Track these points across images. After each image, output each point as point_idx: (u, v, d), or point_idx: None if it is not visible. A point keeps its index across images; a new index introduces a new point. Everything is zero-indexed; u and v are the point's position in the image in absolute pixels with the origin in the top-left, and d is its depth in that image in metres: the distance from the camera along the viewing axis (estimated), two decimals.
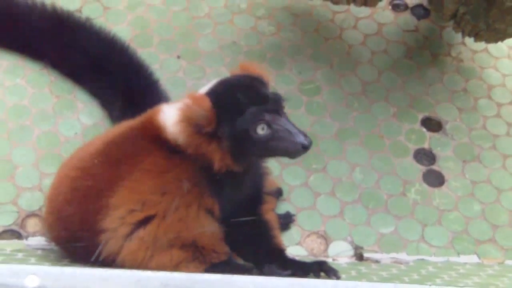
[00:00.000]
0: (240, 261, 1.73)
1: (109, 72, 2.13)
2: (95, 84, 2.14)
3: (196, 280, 1.08)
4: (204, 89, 1.61)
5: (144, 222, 1.57)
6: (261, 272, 1.59)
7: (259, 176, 1.75)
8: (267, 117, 1.53)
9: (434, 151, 2.21)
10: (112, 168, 1.61)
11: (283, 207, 2.05)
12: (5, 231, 1.93)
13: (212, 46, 2.35)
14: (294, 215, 2.04)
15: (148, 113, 1.68)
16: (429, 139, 2.23)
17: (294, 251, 1.99)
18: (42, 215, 1.92)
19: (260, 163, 1.74)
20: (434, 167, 2.18)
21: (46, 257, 1.78)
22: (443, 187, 2.15)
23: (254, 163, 1.68)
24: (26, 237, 1.92)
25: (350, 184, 2.12)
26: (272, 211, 1.81)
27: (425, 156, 2.20)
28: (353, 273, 1.80)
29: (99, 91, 2.14)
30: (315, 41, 2.40)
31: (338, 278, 1.65)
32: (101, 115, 2.14)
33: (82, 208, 1.62)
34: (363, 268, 1.87)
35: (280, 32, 2.40)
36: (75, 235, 1.64)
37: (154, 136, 1.61)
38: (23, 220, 1.94)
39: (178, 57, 2.30)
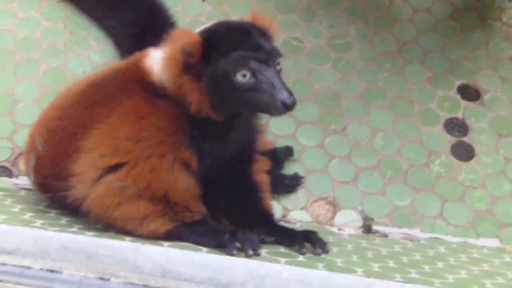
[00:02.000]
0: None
1: (126, 11, 2.03)
2: (110, 22, 2.05)
3: (100, 244, 0.98)
4: (199, 29, 1.51)
5: (115, 168, 1.46)
6: (235, 237, 1.46)
7: (250, 133, 1.62)
8: (253, 64, 1.42)
9: (468, 122, 2.03)
10: (89, 110, 1.52)
11: (292, 168, 1.93)
12: None
13: None
14: (302, 177, 1.91)
15: (136, 55, 1.57)
16: (463, 109, 2.05)
17: (298, 216, 1.87)
18: None
19: (252, 119, 1.61)
20: (465, 139, 2.00)
21: (26, 198, 1.70)
22: (472, 162, 1.97)
23: (243, 117, 1.55)
24: (17, 176, 1.85)
25: (369, 149, 1.97)
26: (264, 172, 1.67)
27: (456, 126, 2.03)
28: (349, 246, 1.66)
29: (113, 29, 2.05)
30: None
31: (325, 251, 1.51)
32: (112, 55, 2.05)
33: (55, 150, 1.53)
34: (363, 242, 1.72)
35: None
36: (48, 177, 1.55)
37: (138, 79, 1.52)
38: (16, 157, 1.87)
39: (203, 0, 2.17)
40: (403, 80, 2.08)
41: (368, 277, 0.96)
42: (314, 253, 1.49)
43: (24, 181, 1.82)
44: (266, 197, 1.63)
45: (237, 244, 1.44)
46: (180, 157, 1.48)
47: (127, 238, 1.42)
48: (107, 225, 1.49)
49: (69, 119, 1.53)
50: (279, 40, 2.10)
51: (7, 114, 1.91)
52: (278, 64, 1.48)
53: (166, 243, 1.39)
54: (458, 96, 2.07)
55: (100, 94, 1.54)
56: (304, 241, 1.52)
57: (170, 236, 1.48)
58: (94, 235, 1.30)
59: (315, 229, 1.67)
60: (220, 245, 1.45)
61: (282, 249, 1.52)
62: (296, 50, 2.11)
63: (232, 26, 1.51)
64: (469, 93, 2.08)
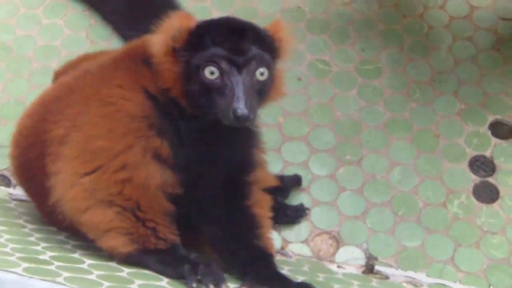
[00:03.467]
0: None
1: (148, 24, 1.99)
2: (131, 32, 2.01)
3: None
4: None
5: (92, 171, 1.42)
6: (196, 269, 1.39)
7: (243, 157, 1.52)
8: (224, 65, 1.36)
9: (496, 161, 1.90)
10: (84, 77, 1.52)
11: (298, 198, 1.85)
12: None
13: (272, 9, 2.15)
14: (307, 208, 1.83)
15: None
16: (493, 147, 1.92)
17: (297, 249, 1.79)
18: None
19: (249, 147, 1.53)
20: (491, 179, 1.88)
21: (10, 210, 1.69)
22: (495, 205, 1.84)
23: (232, 133, 1.46)
24: (14, 186, 1.84)
25: (384, 183, 1.87)
26: (266, 207, 1.55)
27: (483, 165, 1.90)
28: (336, 287, 1.57)
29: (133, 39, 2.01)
30: (391, 18, 2.13)
31: None
32: None
33: (41, 119, 1.53)
34: (356, 283, 1.64)
35: (353, 2, 2.15)
36: (25, 153, 1.55)
37: (134, 51, 1.51)
38: None
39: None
40: (432, 112, 1.97)
41: None
42: None
43: (20, 191, 1.80)
44: (265, 234, 1.51)
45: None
46: (150, 146, 1.41)
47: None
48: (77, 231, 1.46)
49: (61, 86, 1.56)
50: (305, 61, 2.03)
51: (16, 121, 1.90)
52: (262, 74, 1.39)
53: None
54: (489, 133, 1.94)
55: (96, 62, 1.55)
56: None
57: (130, 259, 1.43)
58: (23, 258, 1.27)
59: (311, 265, 1.61)
60: (182, 277, 1.39)
61: None
62: (321, 73, 2.03)
63: (229, 23, 1.45)
64: (502, 130, 1.95)
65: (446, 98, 1.99)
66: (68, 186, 1.43)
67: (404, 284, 1.71)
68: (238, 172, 1.51)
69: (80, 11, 2.11)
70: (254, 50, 1.38)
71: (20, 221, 1.61)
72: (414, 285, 1.71)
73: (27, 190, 1.63)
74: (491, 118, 1.96)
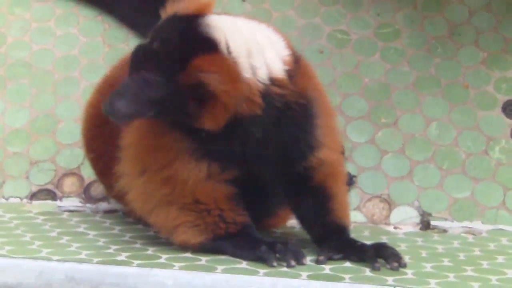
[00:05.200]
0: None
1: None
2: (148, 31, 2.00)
3: (106, 272, 0.94)
4: None
5: (141, 173, 1.44)
6: (274, 249, 1.39)
7: (293, 146, 1.46)
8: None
9: None
10: None
11: None
12: (40, 191, 1.85)
13: None
14: (355, 176, 1.84)
15: None
16: None
17: (352, 217, 1.76)
18: (80, 173, 1.85)
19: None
20: None
21: (66, 221, 1.69)
22: None
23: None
24: (60, 198, 1.83)
25: (424, 140, 1.88)
26: (336, 182, 1.53)
27: None
28: (403, 246, 1.59)
29: None
30: None
31: (402, 265, 1.39)
32: None
33: None
34: (419, 240, 1.65)
35: None
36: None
37: None
38: (59, 179, 1.85)
39: (243, 0, 2.12)
40: (456, 65, 1.99)
41: None
42: (392, 268, 1.38)
43: (68, 202, 1.81)
44: (338, 207, 1.51)
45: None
46: (185, 147, 1.41)
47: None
48: None
49: None
50: (323, 33, 2.03)
51: (49, 135, 1.90)
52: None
53: (176, 265, 1.34)
54: None
55: None
56: (376, 256, 1.41)
57: (205, 249, 1.43)
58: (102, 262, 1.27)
59: (370, 230, 1.61)
60: (260, 258, 1.39)
61: (348, 264, 1.42)
62: (342, 43, 2.03)
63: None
64: None
65: (467, 49, 2.01)
66: (128, 187, 1.47)
67: (463, 235, 1.71)
68: (296, 158, 1.47)
69: (92, 17, 2.09)
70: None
71: (81, 230, 1.61)
72: (473, 234, 1.72)
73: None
74: None
